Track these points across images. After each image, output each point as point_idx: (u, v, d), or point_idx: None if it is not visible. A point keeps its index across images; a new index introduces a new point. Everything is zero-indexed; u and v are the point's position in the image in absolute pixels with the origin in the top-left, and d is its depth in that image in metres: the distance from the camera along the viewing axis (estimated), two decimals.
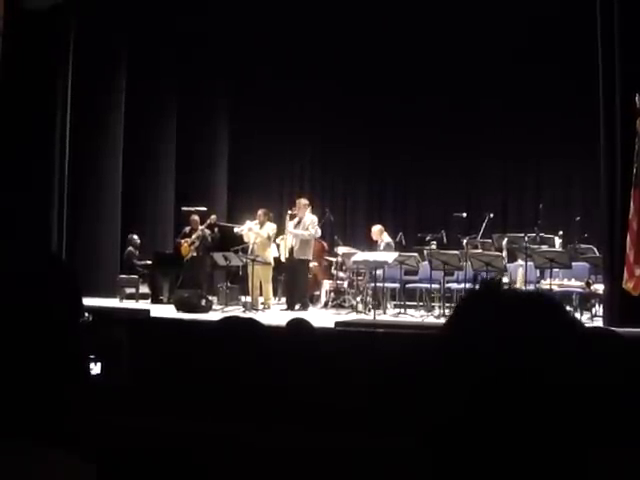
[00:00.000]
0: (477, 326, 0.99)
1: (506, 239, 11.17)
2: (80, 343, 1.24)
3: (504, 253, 10.87)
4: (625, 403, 2.02)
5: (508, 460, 0.94)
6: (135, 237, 13.05)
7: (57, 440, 1.17)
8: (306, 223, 11.55)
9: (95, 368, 3.91)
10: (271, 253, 11.84)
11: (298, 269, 11.48)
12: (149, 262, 12.69)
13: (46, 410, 1.18)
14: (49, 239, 11.04)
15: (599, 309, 10.11)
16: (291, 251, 11.63)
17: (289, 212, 11.90)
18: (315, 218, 11.77)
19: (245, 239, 11.74)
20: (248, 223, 11.80)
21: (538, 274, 10.74)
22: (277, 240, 12.47)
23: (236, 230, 12.07)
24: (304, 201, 11.87)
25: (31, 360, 1.17)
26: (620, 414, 1.85)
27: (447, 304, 10.83)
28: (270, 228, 11.68)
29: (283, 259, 12.13)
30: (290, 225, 11.66)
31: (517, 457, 0.94)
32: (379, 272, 11.05)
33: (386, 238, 11.98)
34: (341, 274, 12.36)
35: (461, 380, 0.96)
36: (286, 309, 11.30)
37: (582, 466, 0.97)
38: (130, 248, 12.97)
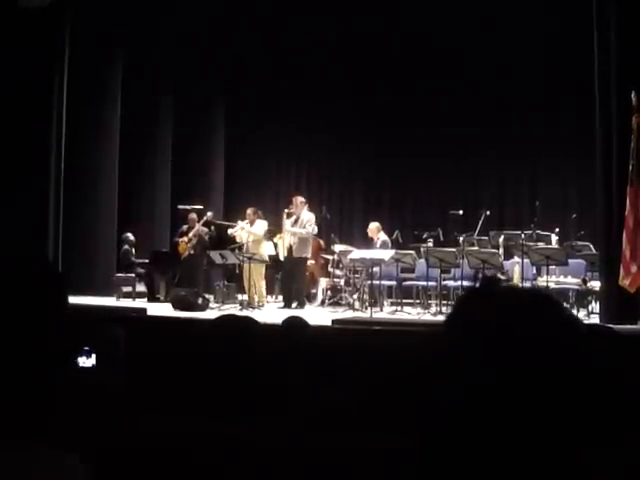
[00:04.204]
0: (476, 323, 0.99)
1: (503, 236, 11.18)
2: (63, 341, 1.24)
3: (501, 250, 10.89)
4: (622, 401, 2.02)
5: (506, 459, 0.94)
6: (130, 235, 13.04)
7: (43, 435, 1.17)
8: (303, 221, 11.53)
9: (87, 361, 3.91)
10: (265, 250, 11.84)
11: (296, 267, 11.47)
12: (146, 261, 12.68)
13: (28, 407, 1.18)
14: (46, 238, 11.02)
15: (596, 306, 10.13)
16: (289, 249, 11.62)
17: (286, 211, 11.88)
18: (312, 215, 11.75)
19: (237, 239, 11.75)
20: (240, 223, 11.82)
21: (534, 271, 10.77)
22: (275, 239, 12.47)
23: (230, 232, 12.07)
24: (301, 199, 11.84)
25: (13, 358, 1.17)
26: (618, 412, 1.85)
27: (444, 302, 10.84)
28: (262, 225, 11.69)
29: (282, 258, 12.14)
30: (287, 223, 11.65)
31: (515, 455, 0.94)
32: (376, 270, 11.05)
33: (383, 236, 11.99)
34: (338, 272, 12.37)
35: (460, 377, 0.96)
36: (283, 307, 11.30)
37: (580, 464, 0.97)
38: (126, 247, 12.96)
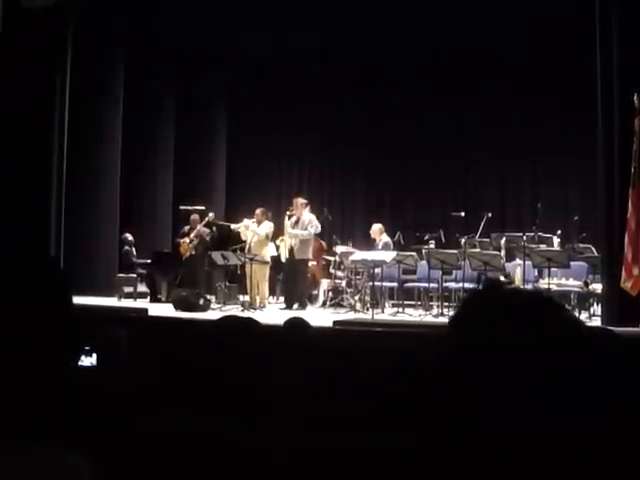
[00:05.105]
0: (480, 325, 0.99)
1: (504, 238, 11.17)
2: (66, 340, 1.24)
3: (502, 252, 10.87)
4: (623, 402, 2.02)
5: (513, 458, 0.94)
6: (128, 236, 13.06)
7: (44, 434, 1.17)
8: (305, 222, 11.53)
9: (87, 360, 3.91)
10: (268, 252, 11.83)
11: (298, 269, 11.47)
12: (148, 261, 12.69)
13: (30, 406, 1.18)
14: (47, 238, 11.03)
15: (597, 308, 10.12)
16: (291, 251, 11.61)
17: (288, 212, 11.87)
18: (313, 217, 11.75)
19: (242, 237, 11.74)
20: (246, 221, 11.78)
21: (536, 273, 10.75)
22: (277, 242, 12.45)
23: (233, 227, 12.07)
24: (301, 200, 11.84)
25: (18, 358, 1.17)
26: (619, 414, 1.85)
27: (445, 303, 10.83)
28: (268, 227, 11.66)
29: (283, 259, 12.13)
30: (289, 225, 11.64)
31: (522, 454, 0.94)
32: (377, 271, 11.05)
33: (384, 237, 11.98)
34: (339, 273, 12.36)
35: (463, 379, 0.96)
36: (284, 308, 11.30)
37: (582, 463, 0.97)
38: (126, 247, 12.99)
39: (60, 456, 1.15)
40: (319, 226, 11.85)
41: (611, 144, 8.90)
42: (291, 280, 11.68)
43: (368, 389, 3.82)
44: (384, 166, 14.96)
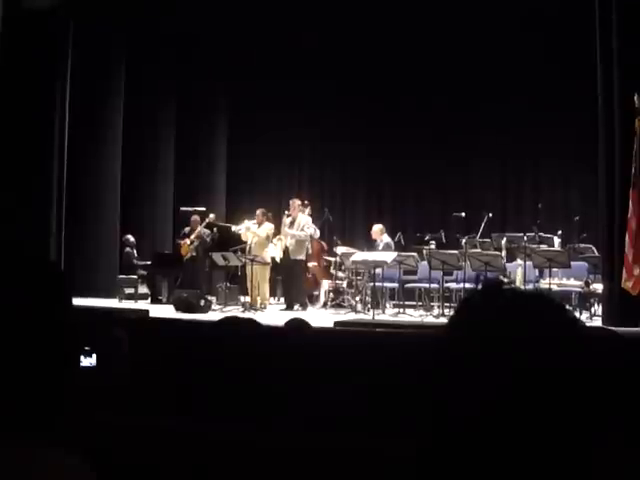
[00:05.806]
0: (479, 326, 0.99)
1: (505, 239, 11.17)
2: (67, 341, 1.24)
3: (503, 253, 10.88)
4: (621, 403, 2.02)
5: (510, 460, 0.94)
6: (130, 237, 13.07)
7: (45, 435, 1.17)
8: (301, 223, 11.60)
9: (86, 360, 3.91)
10: (269, 253, 11.85)
11: (294, 269, 11.52)
12: (148, 262, 12.70)
13: (32, 406, 1.18)
14: (48, 240, 11.03)
15: (598, 308, 10.12)
16: (286, 251, 11.65)
17: (286, 212, 11.93)
18: (309, 219, 11.81)
19: (243, 238, 11.76)
20: (246, 222, 11.80)
21: (537, 273, 10.75)
22: (274, 240, 12.48)
23: (234, 228, 12.08)
24: (298, 202, 11.93)
25: (17, 358, 1.18)
26: (619, 414, 1.85)
27: (446, 304, 10.83)
28: (268, 228, 11.68)
29: (278, 259, 12.16)
30: (286, 226, 11.69)
31: (519, 457, 0.94)
32: (378, 272, 11.05)
33: (385, 238, 11.98)
34: (340, 274, 12.36)
35: (462, 380, 0.96)
36: (285, 309, 11.31)
37: (585, 465, 0.97)
38: (127, 249, 12.99)
39: (60, 456, 1.15)
40: (318, 231, 11.90)
41: (612, 145, 8.89)
42: (287, 281, 11.73)
43: (368, 390, 3.82)
44: (385, 167, 14.97)
